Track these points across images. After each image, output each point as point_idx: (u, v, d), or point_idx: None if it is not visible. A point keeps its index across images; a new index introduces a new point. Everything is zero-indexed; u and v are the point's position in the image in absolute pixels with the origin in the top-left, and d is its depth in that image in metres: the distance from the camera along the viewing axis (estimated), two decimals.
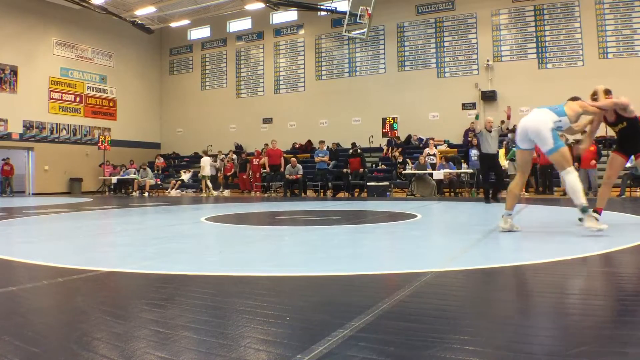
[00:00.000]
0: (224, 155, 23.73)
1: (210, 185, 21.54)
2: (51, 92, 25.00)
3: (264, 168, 21.11)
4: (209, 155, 22.82)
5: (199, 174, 22.08)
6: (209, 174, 21.64)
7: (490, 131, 12.09)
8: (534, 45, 21.14)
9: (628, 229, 6.46)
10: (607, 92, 6.35)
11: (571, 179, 5.54)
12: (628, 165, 7.99)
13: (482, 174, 13.23)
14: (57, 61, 25.38)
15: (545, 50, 20.91)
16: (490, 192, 12.65)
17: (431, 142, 18.70)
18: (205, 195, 20.81)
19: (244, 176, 22.26)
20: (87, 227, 7.85)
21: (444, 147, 20.49)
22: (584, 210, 5.48)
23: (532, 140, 5.79)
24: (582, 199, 5.48)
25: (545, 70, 20.83)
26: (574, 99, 6.22)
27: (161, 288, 3.39)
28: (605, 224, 5.55)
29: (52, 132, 24.99)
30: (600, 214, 6.44)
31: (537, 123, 5.68)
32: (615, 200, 12.77)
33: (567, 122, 5.83)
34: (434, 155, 17.27)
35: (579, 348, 2.05)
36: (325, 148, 20.49)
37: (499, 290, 3.36)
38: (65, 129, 25.51)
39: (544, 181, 16.65)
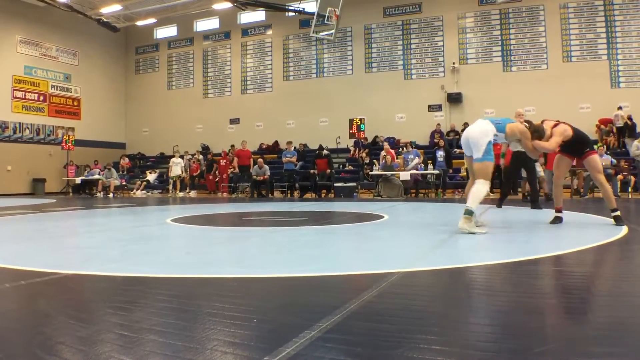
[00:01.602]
0: (190, 156, 23.55)
1: (177, 185, 21.47)
2: (14, 91, 24.43)
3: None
4: (179, 157, 22.76)
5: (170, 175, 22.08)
6: (175, 174, 21.52)
7: None
8: (499, 48, 21.44)
9: (590, 228, 6.60)
10: (534, 129, 6.64)
11: (482, 189, 5.99)
12: None
13: (509, 174, 11.90)
14: (21, 59, 24.82)
15: (510, 53, 21.22)
16: (529, 197, 11.73)
17: (385, 144, 18.72)
18: (171, 195, 20.65)
19: (210, 177, 22.15)
20: (50, 229, 7.70)
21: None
22: (469, 212, 5.85)
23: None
24: (476, 204, 5.92)
25: (510, 72, 21.16)
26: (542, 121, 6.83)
27: (126, 291, 3.35)
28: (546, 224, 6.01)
29: (15, 132, 24.44)
30: (561, 212, 6.94)
31: (480, 133, 6.15)
32: (578, 200, 13.03)
33: (503, 138, 6.44)
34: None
35: (544, 346, 2.09)
36: (292, 149, 20.48)
37: (465, 289, 3.40)
38: (28, 128, 24.97)
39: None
